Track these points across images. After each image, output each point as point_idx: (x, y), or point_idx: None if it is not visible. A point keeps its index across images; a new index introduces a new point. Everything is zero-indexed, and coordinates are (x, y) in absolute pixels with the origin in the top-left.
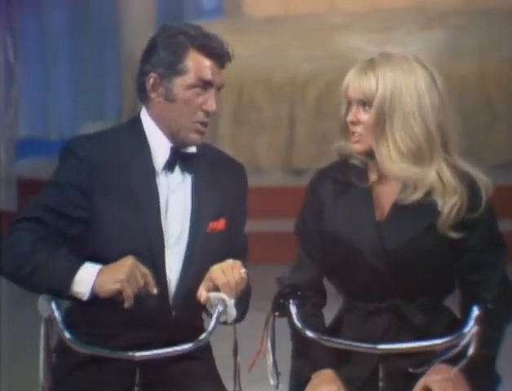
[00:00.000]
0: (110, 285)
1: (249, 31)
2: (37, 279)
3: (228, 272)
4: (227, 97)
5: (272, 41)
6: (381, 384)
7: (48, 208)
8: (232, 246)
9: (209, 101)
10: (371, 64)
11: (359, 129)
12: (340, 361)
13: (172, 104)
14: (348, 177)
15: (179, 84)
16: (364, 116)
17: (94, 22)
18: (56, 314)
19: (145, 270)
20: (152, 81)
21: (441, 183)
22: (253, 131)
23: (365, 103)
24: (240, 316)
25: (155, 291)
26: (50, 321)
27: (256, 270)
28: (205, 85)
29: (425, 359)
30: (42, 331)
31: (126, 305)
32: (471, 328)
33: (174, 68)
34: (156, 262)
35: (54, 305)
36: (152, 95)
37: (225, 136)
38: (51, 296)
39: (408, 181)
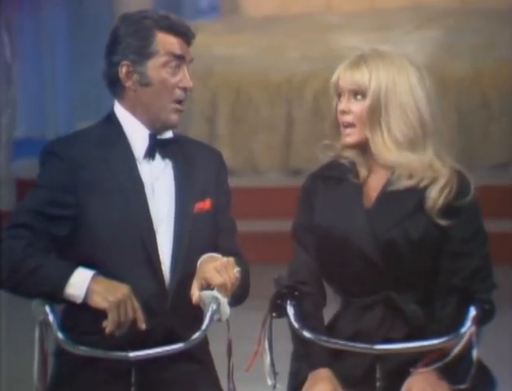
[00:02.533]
0: (99, 300)
1: (247, 30)
2: (31, 284)
3: (223, 272)
4: (224, 96)
5: (270, 41)
6: (378, 383)
7: (33, 211)
8: (220, 228)
9: (185, 78)
10: (363, 58)
11: (349, 118)
12: (335, 358)
13: (148, 88)
14: (339, 172)
15: (152, 66)
16: (357, 106)
17: (92, 21)
18: (50, 316)
19: (137, 304)
20: (124, 69)
21: (431, 170)
22: (251, 131)
23: (358, 93)
24: (238, 300)
25: (143, 326)
26: (44, 324)
27: (253, 270)
28: (178, 61)
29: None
30: (37, 333)
31: (107, 329)
32: (468, 329)
33: (144, 52)
34: (148, 249)
35: (48, 308)
36: (127, 84)
37: (223, 136)
38: (45, 300)
39: (404, 169)
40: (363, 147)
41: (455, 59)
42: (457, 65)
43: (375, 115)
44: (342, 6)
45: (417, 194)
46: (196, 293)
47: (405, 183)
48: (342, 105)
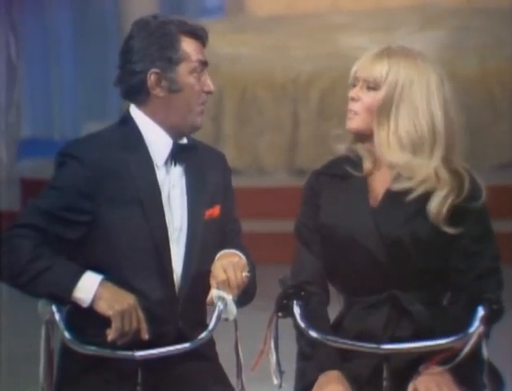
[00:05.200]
0: (105, 307)
1: (252, 30)
2: (39, 285)
3: (229, 270)
4: (229, 96)
5: (275, 41)
6: (385, 383)
7: (47, 213)
8: (227, 230)
9: (208, 82)
10: (387, 51)
11: (356, 106)
12: (342, 358)
13: (177, 94)
14: (344, 170)
15: (182, 71)
16: (367, 97)
17: (97, 21)
18: (57, 316)
19: (141, 315)
20: (153, 77)
21: (436, 178)
22: (256, 131)
23: (371, 84)
24: (242, 302)
25: (146, 337)
26: (50, 323)
27: (259, 271)
28: (202, 66)
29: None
30: (43, 333)
31: (110, 337)
32: (476, 329)
33: (173, 58)
34: (161, 257)
35: (54, 308)
36: (155, 91)
37: (228, 136)
38: (52, 301)
39: (403, 170)
40: (369, 139)
41: (461, 58)
42: (463, 65)
43: (385, 110)
44: (347, 6)
45: (420, 196)
46: (210, 294)
47: (405, 184)
48: (353, 92)
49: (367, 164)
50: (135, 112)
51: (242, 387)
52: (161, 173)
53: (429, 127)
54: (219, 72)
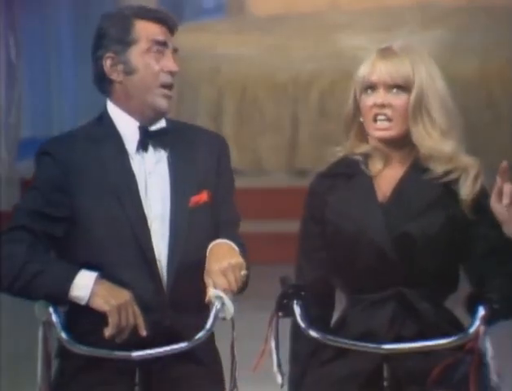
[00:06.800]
0: (101, 303)
1: (252, 30)
2: (35, 288)
3: (229, 275)
4: (230, 97)
5: (275, 41)
6: (385, 383)
7: (30, 212)
8: (222, 220)
9: (169, 62)
10: (399, 51)
11: (389, 112)
12: (342, 355)
13: (134, 76)
14: (350, 168)
15: (135, 53)
16: (398, 100)
17: (97, 21)
18: (54, 317)
19: (138, 311)
20: (108, 61)
21: (459, 161)
22: (257, 131)
23: (398, 87)
24: (238, 294)
25: (144, 333)
26: (48, 324)
27: (259, 271)
28: (160, 46)
29: (431, 358)
30: (40, 334)
31: (108, 333)
32: (477, 328)
33: (125, 40)
34: (142, 247)
35: (51, 309)
36: (113, 76)
37: (228, 136)
38: (49, 302)
39: (445, 157)
40: (399, 142)
41: (461, 58)
42: (464, 65)
43: (417, 107)
44: (348, 5)
45: (439, 187)
46: (207, 293)
47: (434, 171)
48: (380, 98)
49: (377, 165)
50: (109, 105)
51: (235, 385)
52: (135, 162)
53: (455, 113)
54: (220, 72)
